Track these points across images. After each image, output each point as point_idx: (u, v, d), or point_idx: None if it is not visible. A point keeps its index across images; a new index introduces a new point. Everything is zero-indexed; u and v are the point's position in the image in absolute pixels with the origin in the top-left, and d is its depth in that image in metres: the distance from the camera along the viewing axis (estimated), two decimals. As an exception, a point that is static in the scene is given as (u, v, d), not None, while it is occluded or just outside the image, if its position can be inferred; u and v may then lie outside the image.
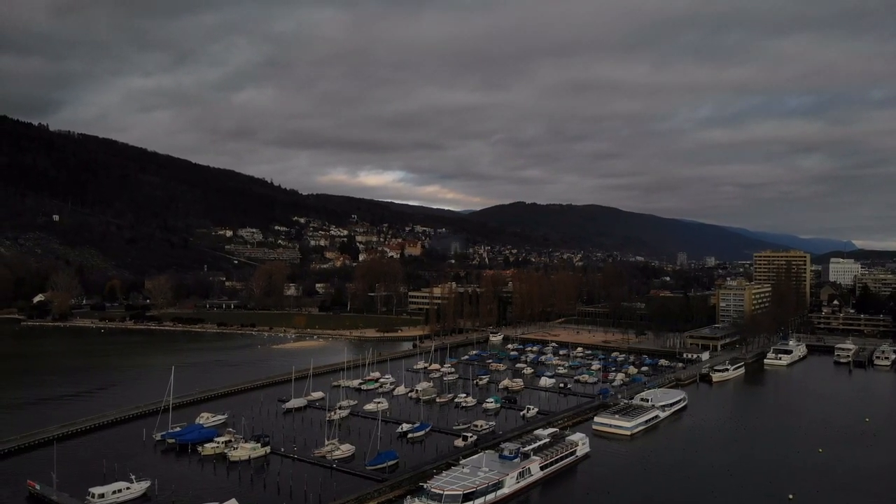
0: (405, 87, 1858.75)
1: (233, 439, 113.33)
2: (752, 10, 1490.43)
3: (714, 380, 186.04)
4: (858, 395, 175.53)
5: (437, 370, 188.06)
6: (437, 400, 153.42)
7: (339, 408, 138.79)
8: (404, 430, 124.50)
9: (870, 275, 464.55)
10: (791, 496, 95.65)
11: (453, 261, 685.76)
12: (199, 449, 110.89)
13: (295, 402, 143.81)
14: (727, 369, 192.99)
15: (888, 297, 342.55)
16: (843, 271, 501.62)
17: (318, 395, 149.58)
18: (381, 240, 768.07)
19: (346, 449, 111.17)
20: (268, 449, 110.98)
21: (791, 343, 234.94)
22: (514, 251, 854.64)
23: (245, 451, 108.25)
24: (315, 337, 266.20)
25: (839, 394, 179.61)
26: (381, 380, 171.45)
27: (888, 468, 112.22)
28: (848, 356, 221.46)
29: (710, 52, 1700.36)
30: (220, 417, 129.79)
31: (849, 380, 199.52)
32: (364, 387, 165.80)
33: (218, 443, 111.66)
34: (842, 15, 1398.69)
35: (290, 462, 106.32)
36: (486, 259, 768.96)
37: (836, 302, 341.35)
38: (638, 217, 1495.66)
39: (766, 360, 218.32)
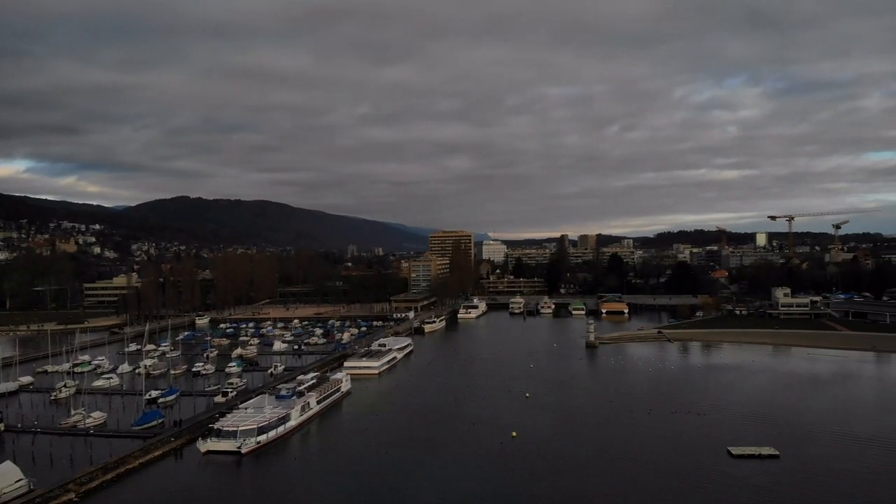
0: (30, 59, 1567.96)
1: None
2: (411, 9, 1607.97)
3: (426, 330, 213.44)
4: (531, 333, 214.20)
5: (155, 349, 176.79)
6: (172, 372, 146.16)
7: (65, 386, 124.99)
8: (153, 396, 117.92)
9: (518, 252, 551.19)
10: (527, 395, 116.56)
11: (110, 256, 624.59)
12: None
13: (7, 386, 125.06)
14: (434, 321, 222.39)
15: (535, 266, 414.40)
16: (494, 251, 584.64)
17: (27, 379, 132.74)
18: (24, 236, 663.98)
19: (98, 416, 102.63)
20: (1, 426, 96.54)
21: (476, 301, 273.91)
22: (183, 247, 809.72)
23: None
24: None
25: (518, 333, 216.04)
26: (95, 362, 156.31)
27: (553, 376, 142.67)
28: (520, 308, 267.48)
29: (369, 47, 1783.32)
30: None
31: (524, 324, 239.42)
32: (78, 370, 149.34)
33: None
34: (489, 20, 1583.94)
35: (30, 437, 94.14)
36: (154, 256, 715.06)
37: (498, 270, 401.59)
38: (308, 213, 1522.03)
39: (459, 315, 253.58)
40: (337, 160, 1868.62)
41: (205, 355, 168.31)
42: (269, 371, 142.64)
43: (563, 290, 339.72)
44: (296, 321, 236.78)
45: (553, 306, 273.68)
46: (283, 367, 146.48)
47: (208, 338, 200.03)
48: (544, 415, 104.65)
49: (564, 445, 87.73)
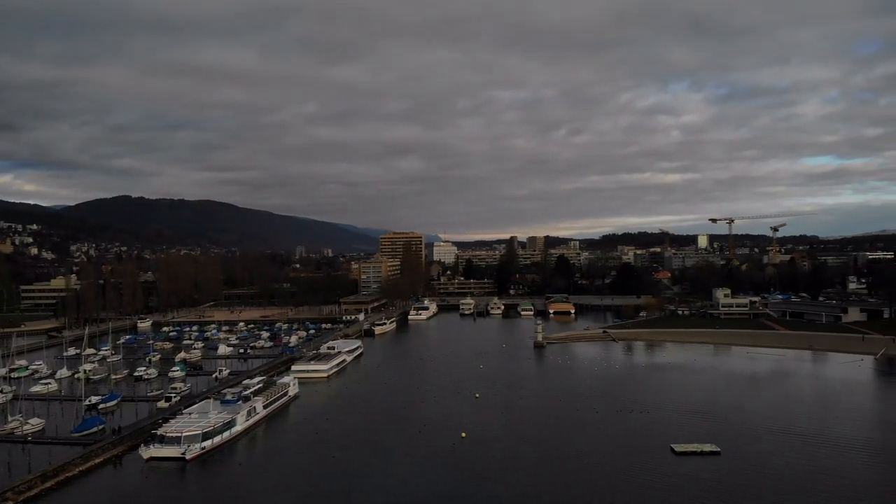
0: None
1: None
2: (361, 8, 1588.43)
3: (376, 332, 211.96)
4: (481, 333, 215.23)
5: (95, 353, 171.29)
6: (113, 377, 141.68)
7: (1, 392, 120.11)
8: (93, 401, 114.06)
9: (468, 254, 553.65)
10: (477, 396, 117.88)
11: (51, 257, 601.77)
12: None
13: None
14: (385, 323, 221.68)
15: (485, 267, 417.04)
16: (445, 253, 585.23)
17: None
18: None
19: (36, 423, 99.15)
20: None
21: (426, 302, 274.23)
22: (124, 248, 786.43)
23: None
24: None
25: (468, 334, 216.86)
26: (32, 367, 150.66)
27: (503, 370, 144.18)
28: (471, 309, 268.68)
29: (318, 46, 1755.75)
30: None
31: (474, 325, 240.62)
32: (15, 375, 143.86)
33: None
34: (439, 22, 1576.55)
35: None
36: (94, 257, 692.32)
37: (448, 272, 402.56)
38: (255, 213, 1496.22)
39: (409, 316, 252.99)
40: (284, 159, 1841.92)
41: (147, 359, 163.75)
42: (214, 375, 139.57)
43: (512, 291, 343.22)
44: (241, 324, 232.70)
45: (502, 307, 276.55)
46: (228, 371, 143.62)
47: (150, 341, 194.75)
48: (494, 415, 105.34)
49: (513, 445, 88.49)
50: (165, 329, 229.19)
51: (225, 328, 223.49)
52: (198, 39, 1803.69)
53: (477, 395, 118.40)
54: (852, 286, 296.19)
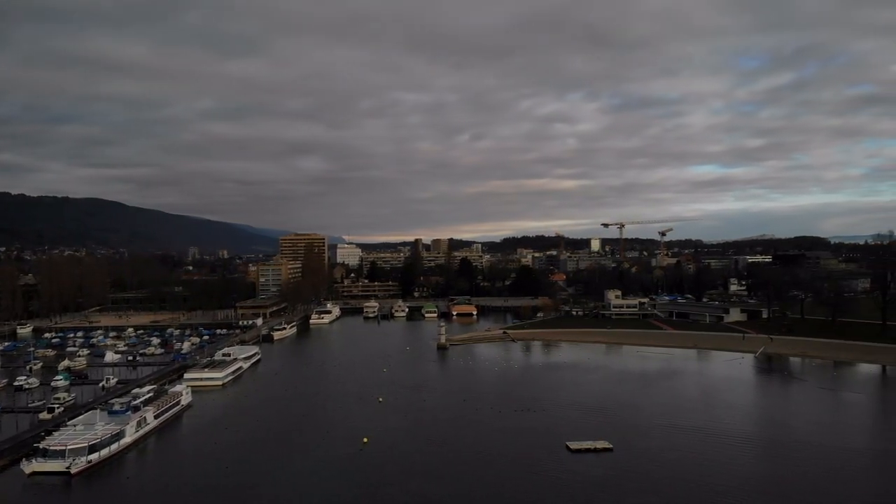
0: None
1: None
2: (261, 2, 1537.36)
3: (275, 338, 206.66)
4: (385, 337, 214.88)
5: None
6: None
7: None
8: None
9: (373, 256, 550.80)
10: (380, 399, 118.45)
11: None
12: None
13: None
14: (284, 328, 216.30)
15: (390, 270, 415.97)
16: (349, 255, 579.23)
17: None
18: None
19: None
20: None
21: (329, 306, 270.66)
22: (2, 249, 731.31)
23: None
24: None
25: (372, 337, 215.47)
26: None
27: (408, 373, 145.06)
28: (375, 312, 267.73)
29: (215, 39, 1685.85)
30: None
31: (378, 328, 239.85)
32: None
33: None
34: (343, 20, 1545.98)
35: None
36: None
37: (352, 274, 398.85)
38: (144, 212, 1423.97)
39: (311, 321, 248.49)
40: (177, 156, 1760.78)
41: (28, 368, 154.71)
42: (101, 384, 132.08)
43: (416, 294, 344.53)
44: (130, 330, 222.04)
45: (407, 310, 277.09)
46: (115, 379, 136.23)
47: (31, 349, 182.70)
48: (397, 419, 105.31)
49: (415, 448, 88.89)
50: (48, 335, 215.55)
51: (112, 334, 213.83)
52: (87, 29, 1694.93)
53: (380, 400, 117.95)
54: (733, 288, 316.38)
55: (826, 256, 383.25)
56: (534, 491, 72.28)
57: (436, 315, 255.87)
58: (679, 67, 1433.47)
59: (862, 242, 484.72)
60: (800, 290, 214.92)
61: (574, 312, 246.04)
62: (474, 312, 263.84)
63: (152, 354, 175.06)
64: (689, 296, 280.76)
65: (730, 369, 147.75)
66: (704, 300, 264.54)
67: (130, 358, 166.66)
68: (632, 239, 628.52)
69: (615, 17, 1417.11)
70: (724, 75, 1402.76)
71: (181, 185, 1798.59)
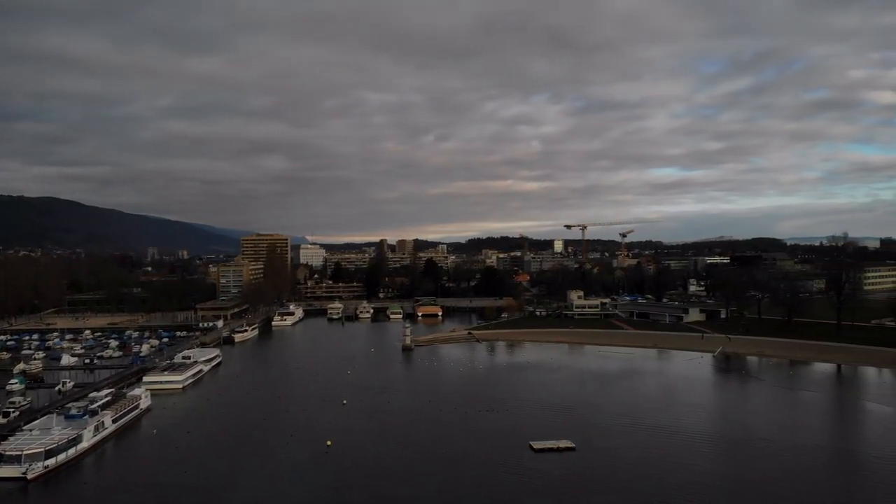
0: None
1: None
2: (224, 1, 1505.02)
3: (236, 340, 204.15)
4: (349, 338, 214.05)
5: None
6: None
7: None
8: None
9: (337, 257, 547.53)
10: (344, 401, 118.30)
11: None
12: None
13: None
14: (246, 330, 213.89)
15: (354, 271, 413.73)
16: (312, 255, 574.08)
17: None
18: None
19: None
20: None
21: (292, 307, 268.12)
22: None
23: None
24: None
25: (336, 339, 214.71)
26: None
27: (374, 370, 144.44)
28: (339, 313, 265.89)
29: (174, 35, 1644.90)
30: None
31: (342, 330, 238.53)
32: None
33: None
34: (307, 18, 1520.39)
35: None
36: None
37: (316, 275, 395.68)
38: (102, 212, 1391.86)
39: (273, 322, 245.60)
40: (136, 154, 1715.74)
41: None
42: (57, 388, 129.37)
43: (381, 295, 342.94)
44: (87, 332, 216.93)
45: (371, 311, 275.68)
46: (72, 383, 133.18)
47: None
48: (361, 421, 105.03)
49: (379, 449, 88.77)
50: (2, 338, 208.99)
51: (69, 336, 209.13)
52: (45, 25, 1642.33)
53: (344, 402, 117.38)
54: (693, 288, 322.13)
55: (782, 258, 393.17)
56: (497, 491, 72.80)
57: (401, 316, 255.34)
58: (641, 71, 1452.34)
59: (817, 244, 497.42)
60: (757, 290, 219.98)
61: (537, 313, 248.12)
62: (439, 313, 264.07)
63: (110, 357, 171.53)
64: (650, 296, 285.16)
65: (689, 368, 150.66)
66: (664, 300, 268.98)
67: (88, 361, 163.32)
68: (594, 240, 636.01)
69: (578, 21, 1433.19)
70: (685, 79, 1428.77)
71: (140, 184, 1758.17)
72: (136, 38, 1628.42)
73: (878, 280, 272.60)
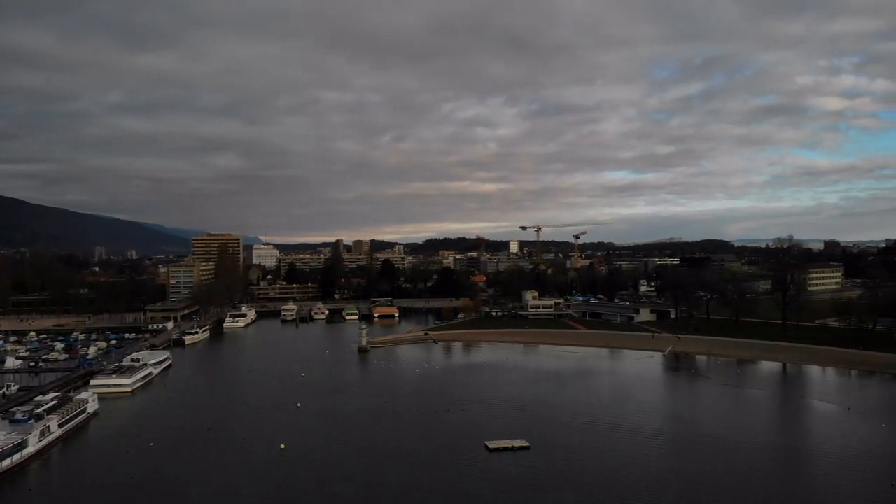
0: None
1: None
2: None
3: (187, 342, 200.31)
4: (304, 340, 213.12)
5: None
6: None
7: None
8: None
9: (291, 257, 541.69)
10: (298, 404, 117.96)
11: None
12: None
13: None
14: (197, 332, 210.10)
15: (309, 272, 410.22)
16: (265, 256, 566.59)
17: None
18: None
19: None
20: None
21: (244, 309, 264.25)
22: None
23: None
24: None
25: (290, 341, 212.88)
26: None
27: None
28: (293, 315, 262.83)
29: (124, 30, 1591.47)
30: None
31: (297, 331, 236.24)
32: None
33: None
34: (261, 14, 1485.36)
35: None
36: None
37: (269, 276, 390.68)
38: (47, 210, 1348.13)
39: (225, 324, 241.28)
40: (83, 151, 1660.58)
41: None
42: (2, 392, 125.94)
43: (337, 296, 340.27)
44: (32, 334, 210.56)
45: (327, 312, 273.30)
46: (17, 387, 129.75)
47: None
48: (316, 424, 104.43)
49: (334, 452, 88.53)
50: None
51: (13, 339, 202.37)
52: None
53: (298, 405, 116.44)
54: (643, 289, 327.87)
55: (730, 259, 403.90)
56: (452, 491, 73.38)
57: (357, 317, 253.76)
58: (595, 75, 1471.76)
59: (764, 246, 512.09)
60: (705, 291, 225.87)
61: (493, 313, 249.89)
62: (396, 314, 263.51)
63: (56, 360, 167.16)
64: (602, 296, 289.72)
65: (640, 367, 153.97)
66: (616, 301, 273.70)
67: (32, 364, 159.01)
68: (548, 241, 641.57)
69: (535, 24, 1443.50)
70: (638, 84, 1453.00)
71: (87, 182, 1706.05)
72: (83, 32, 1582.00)
73: (822, 281, 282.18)
